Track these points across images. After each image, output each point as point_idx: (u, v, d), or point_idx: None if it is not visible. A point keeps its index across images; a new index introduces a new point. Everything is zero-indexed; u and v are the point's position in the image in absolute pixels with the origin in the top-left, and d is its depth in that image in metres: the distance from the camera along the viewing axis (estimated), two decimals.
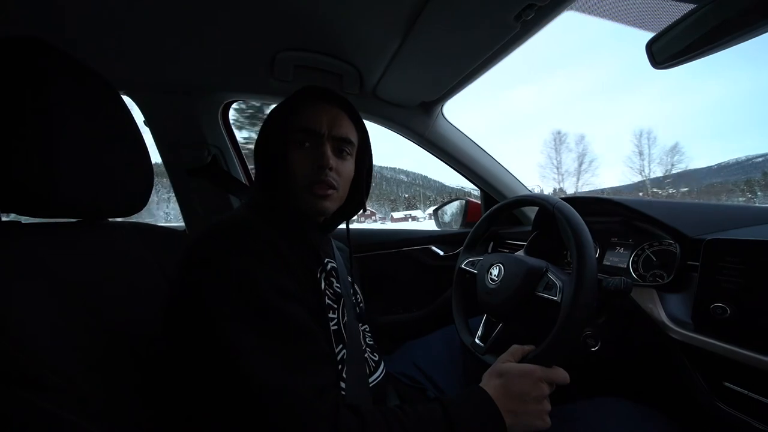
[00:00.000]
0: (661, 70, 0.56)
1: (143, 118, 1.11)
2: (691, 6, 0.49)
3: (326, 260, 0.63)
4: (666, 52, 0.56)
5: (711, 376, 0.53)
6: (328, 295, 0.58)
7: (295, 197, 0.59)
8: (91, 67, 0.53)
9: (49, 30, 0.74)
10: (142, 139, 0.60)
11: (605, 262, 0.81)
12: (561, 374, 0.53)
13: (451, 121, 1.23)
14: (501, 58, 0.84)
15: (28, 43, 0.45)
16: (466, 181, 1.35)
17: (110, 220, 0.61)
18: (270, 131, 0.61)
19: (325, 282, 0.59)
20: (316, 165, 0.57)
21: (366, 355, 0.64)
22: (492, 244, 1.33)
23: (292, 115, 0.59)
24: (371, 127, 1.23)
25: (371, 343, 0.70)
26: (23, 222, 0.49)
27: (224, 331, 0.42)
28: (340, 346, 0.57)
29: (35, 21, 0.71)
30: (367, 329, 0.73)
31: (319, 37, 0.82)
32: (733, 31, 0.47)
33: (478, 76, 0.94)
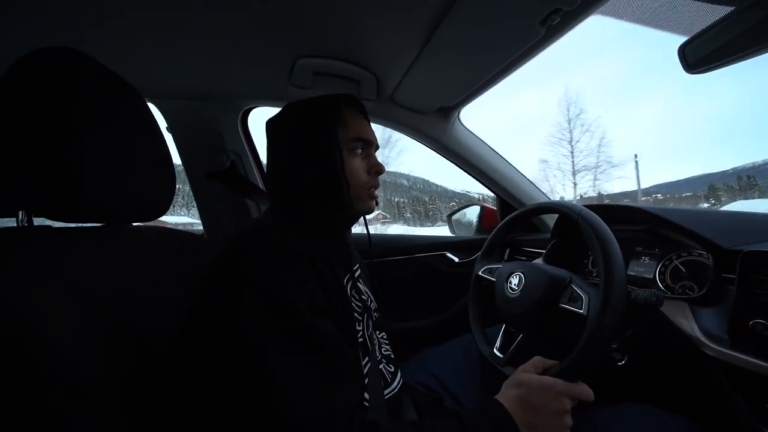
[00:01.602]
0: (695, 74, 0.54)
1: (166, 124, 1.13)
2: (729, 9, 0.47)
3: (355, 267, 0.62)
4: (699, 54, 0.54)
5: (752, 397, 0.50)
6: (355, 305, 0.58)
7: (356, 200, 0.60)
8: (119, 75, 0.54)
9: (78, 39, 0.76)
10: (166, 144, 0.60)
11: (629, 272, 0.78)
12: (585, 391, 0.51)
13: (467, 126, 1.22)
14: (523, 63, 0.82)
15: (61, 51, 0.47)
16: (472, 185, 1.33)
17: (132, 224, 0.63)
18: (318, 138, 0.59)
19: (351, 291, 0.59)
20: (372, 171, 0.62)
21: (381, 366, 0.63)
22: (508, 251, 1.31)
23: (341, 123, 0.60)
24: (384, 130, 1.23)
25: (387, 353, 0.69)
26: (54, 227, 0.50)
27: (256, 346, 0.42)
28: (366, 358, 0.56)
29: (66, 31, 0.74)
30: (384, 337, 0.72)
31: (340, 44, 0.82)
32: None
33: (498, 81, 0.92)
